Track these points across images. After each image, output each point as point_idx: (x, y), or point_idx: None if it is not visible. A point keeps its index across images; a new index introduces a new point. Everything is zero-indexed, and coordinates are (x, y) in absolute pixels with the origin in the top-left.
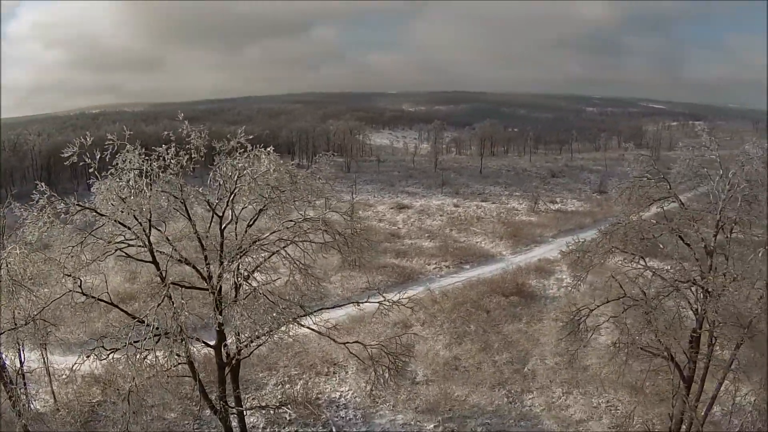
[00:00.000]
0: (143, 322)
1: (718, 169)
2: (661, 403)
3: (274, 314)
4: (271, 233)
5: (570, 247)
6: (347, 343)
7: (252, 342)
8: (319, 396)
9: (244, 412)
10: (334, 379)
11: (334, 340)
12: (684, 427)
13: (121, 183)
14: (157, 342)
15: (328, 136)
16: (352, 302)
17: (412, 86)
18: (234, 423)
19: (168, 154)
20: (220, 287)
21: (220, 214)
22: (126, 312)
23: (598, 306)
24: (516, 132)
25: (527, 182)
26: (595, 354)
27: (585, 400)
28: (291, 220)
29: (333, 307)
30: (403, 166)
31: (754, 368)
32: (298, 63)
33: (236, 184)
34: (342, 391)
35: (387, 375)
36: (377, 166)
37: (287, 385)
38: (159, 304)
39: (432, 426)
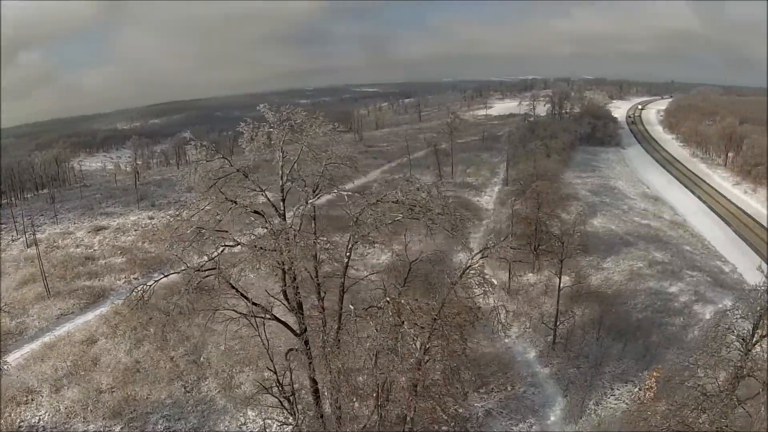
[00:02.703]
0: None
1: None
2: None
3: None
4: None
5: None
6: None
7: None
8: (21, 424)
9: None
10: (32, 405)
11: None
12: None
13: None
14: None
15: (33, 168)
16: None
17: (127, 102)
18: None
19: None
20: None
21: None
22: None
23: (157, 281)
24: (230, 134)
25: None
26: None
27: (256, 375)
28: None
29: None
30: (106, 187)
31: None
32: (10, 94)
33: None
34: (40, 415)
35: None
36: (81, 192)
37: None
38: None
39: (119, 428)
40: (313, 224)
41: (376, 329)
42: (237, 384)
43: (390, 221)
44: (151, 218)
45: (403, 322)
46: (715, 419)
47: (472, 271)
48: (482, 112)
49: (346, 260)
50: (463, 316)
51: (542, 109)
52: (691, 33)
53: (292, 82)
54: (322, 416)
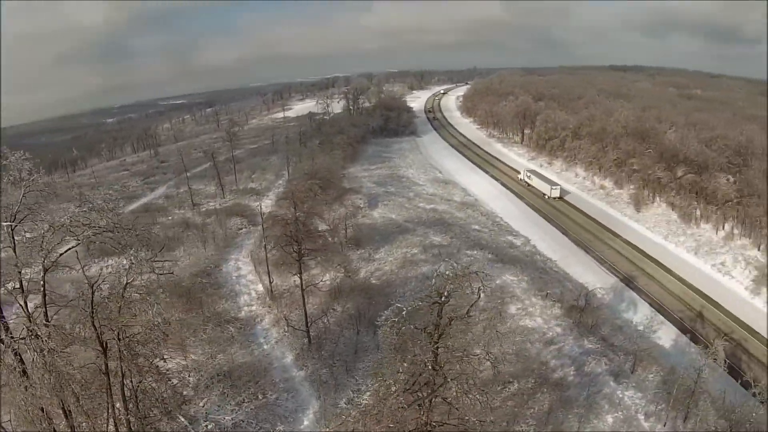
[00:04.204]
0: None
1: None
2: None
3: None
4: None
5: None
6: None
7: None
8: None
9: None
10: None
11: None
12: None
13: None
14: None
15: None
16: None
17: None
18: None
19: None
20: None
21: None
22: None
23: None
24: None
25: None
26: None
27: None
28: None
29: None
30: None
31: None
32: None
33: None
34: None
35: None
36: None
37: None
38: None
39: None
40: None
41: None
42: None
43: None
44: None
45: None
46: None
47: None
48: (281, 114)
49: (42, 290)
50: (155, 333)
51: (338, 106)
52: (494, 20)
53: (99, 100)
54: None
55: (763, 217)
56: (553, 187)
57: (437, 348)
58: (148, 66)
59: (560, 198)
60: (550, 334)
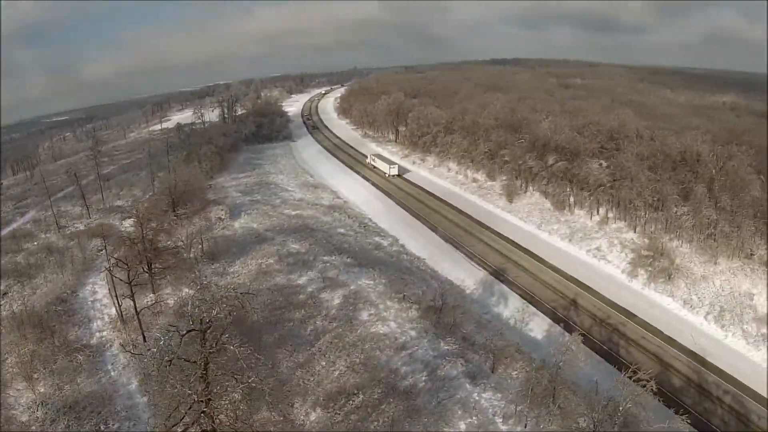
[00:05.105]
0: None
1: None
2: None
3: None
4: None
5: None
6: None
7: None
8: None
9: None
10: None
11: None
12: None
13: None
14: None
15: None
16: None
17: None
18: None
19: None
20: None
21: None
22: None
23: None
24: None
25: None
26: None
27: None
28: None
29: None
30: None
31: None
32: None
33: None
34: None
35: None
36: None
37: None
38: None
39: None
40: None
41: None
42: None
43: None
44: None
45: None
46: None
47: None
48: (159, 126)
49: None
50: None
51: (214, 115)
52: (374, 20)
53: None
54: None
55: (636, 199)
56: (392, 167)
57: (206, 378)
58: (30, 82)
59: (399, 176)
60: (403, 338)
